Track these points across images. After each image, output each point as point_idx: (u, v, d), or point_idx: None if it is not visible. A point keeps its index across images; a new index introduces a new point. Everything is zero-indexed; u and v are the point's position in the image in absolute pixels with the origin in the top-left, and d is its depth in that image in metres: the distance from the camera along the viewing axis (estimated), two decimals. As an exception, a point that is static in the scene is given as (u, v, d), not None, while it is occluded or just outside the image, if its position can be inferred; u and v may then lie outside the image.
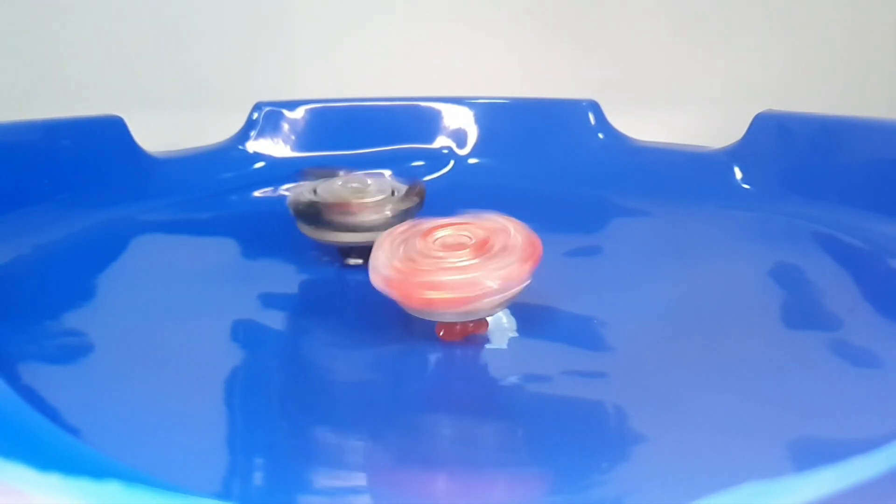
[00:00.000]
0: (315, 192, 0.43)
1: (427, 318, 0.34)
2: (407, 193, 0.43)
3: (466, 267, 0.32)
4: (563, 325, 0.36)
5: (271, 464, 0.27)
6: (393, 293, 0.33)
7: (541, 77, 0.64)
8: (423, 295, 0.32)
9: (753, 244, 0.47)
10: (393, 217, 0.41)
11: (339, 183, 0.43)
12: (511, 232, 0.34)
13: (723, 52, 0.64)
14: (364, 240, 0.40)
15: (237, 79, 0.62)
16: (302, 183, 0.44)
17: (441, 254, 0.33)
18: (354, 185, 0.43)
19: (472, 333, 0.34)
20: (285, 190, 0.49)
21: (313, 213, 0.42)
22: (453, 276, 0.32)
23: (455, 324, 0.34)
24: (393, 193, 0.42)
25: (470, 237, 0.34)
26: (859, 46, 0.65)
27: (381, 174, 0.45)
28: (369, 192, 0.42)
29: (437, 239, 0.34)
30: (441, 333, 0.34)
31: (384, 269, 0.33)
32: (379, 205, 0.41)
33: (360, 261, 0.42)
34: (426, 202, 0.43)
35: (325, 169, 0.45)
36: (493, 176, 0.55)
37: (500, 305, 0.33)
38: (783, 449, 0.27)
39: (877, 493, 0.16)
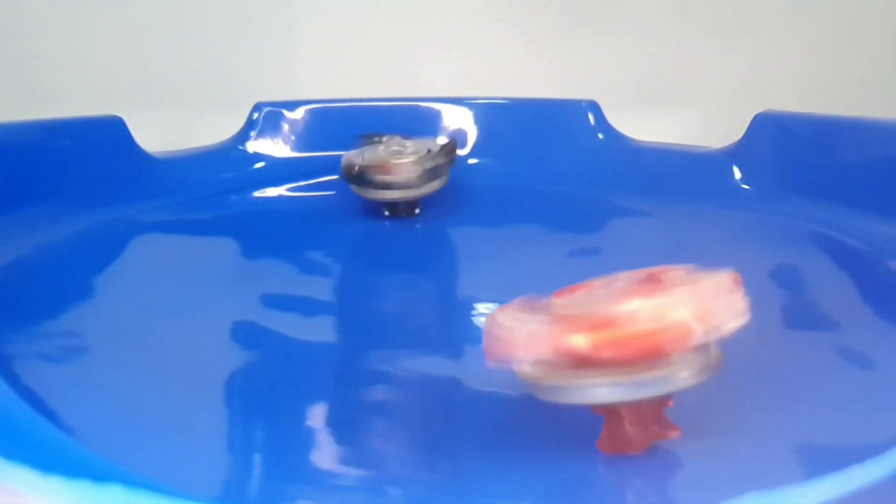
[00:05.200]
0: (362, 156, 0.49)
1: (584, 403, 0.23)
2: (439, 152, 0.49)
3: (647, 294, 0.22)
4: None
5: (271, 464, 0.27)
6: (542, 348, 0.22)
7: (541, 77, 0.64)
8: (590, 339, 0.21)
9: (753, 244, 0.47)
10: (424, 174, 0.48)
11: (382, 147, 0.50)
12: (688, 270, 0.25)
13: (723, 52, 0.64)
14: (404, 196, 0.49)
15: (237, 79, 0.62)
16: (352, 151, 0.50)
17: (599, 295, 0.23)
18: (395, 147, 0.49)
19: (658, 438, 0.24)
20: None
21: (358, 176, 0.48)
22: (635, 303, 0.22)
23: (621, 410, 0.23)
24: (428, 152, 0.49)
25: (629, 280, 0.24)
26: (859, 47, 0.65)
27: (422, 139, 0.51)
28: (406, 153, 0.49)
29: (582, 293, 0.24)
30: (605, 443, 0.24)
31: (519, 328, 0.23)
32: (413, 165, 0.48)
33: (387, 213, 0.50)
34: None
35: (377, 134, 0.51)
36: (493, 176, 0.55)
37: (703, 369, 0.24)
38: (783, 448, 0.27)
39: (876, 499, 0.16)
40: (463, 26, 0.64)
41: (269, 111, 0.56)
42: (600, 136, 0.56)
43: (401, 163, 0.48)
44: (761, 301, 0.39)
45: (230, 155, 0.55)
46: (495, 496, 0.26)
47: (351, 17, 0.63)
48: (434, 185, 0.49)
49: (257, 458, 0.28)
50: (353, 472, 0.27)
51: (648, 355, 0.22)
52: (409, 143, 0.50)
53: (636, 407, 0.23)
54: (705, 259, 0.45)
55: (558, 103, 0.58)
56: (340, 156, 0.53)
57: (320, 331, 0.38)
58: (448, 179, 0.50)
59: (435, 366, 0.34)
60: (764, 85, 0.64)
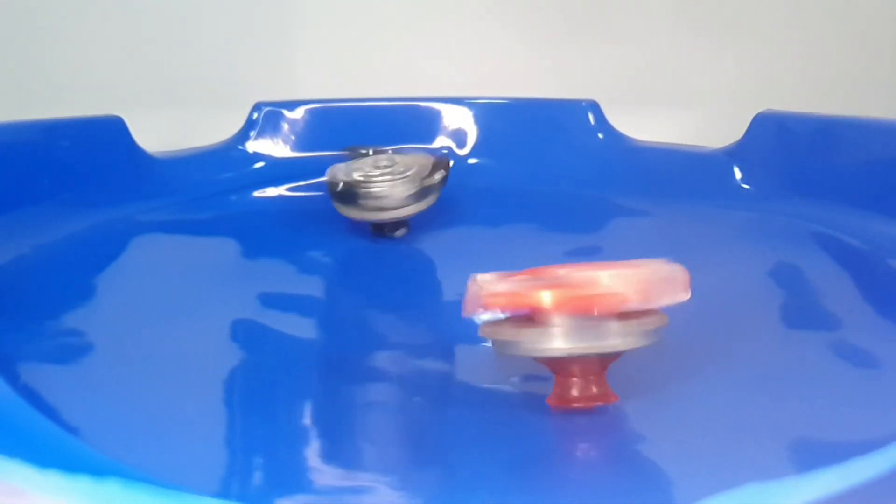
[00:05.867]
0: (348, 172, 0.45)
1: (537, 354, 0.27)
2: (431, 170, 0.45)
3: (590, 268, 0.27)
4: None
5: (269, 463, 0.27)
6: (498, 302, 0.27)
7: (541, 77, 0.64)
8: (535, 297, 0.26)
9: (753, 244, 0.47)
10: (415, 194, 0.44)
11: (370, 162, 0.46)
12: (644, 261, 0.29)
13: (723, 52, 0.64)
14: (394, 217, 0.44)
15: (237, 79, 0.62)
16: (337, 165, 0.47)
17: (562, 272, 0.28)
18: (384, 163, 0.45)
19: (597, 403, 0.28)
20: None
21: (346, 194, 0.44)
22: (585, 273, 0.27)
23: (570, 367, 0.28)
24: (419, 168, 0.45)
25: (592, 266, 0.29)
26: (859, 47, 0.65)
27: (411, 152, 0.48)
28: (396, 170, 0.45)
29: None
30: (554, 397, 0.28)
31: (494, 286, 0.28)
32: (405, 183, 0.44)
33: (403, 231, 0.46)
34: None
35: (364, 146, 0.48)
36: (493, 176, 0.55)
37: (639, 335, 0.27)
38: (783, 448, 0.27)
39: (876, 494, 0.16)
40: (463, 26, 0.64)
41: (269, 111, 0.56)
42: (600, 136, 0.56)
43: (390, 181, 0.44)
44: (762, 300, 0.39)
45: (230, 155, 0.55)
46: (490, 492, 0.26)
47: (351, 17, 0.63)
48: (423, 205, 0.45)
49: (255, 456, 0.28)
50: (352, 471, 0.27)
51: (591, 314, 0.26)
52: (398, 158, 0.46)
53: (582, 365, 0.27)
54: (705, 258, 0.45)
55: (558, 103, 0.58)
56: (340, 156, 0.53)
57: (320, 330, 0.38)
58: (439, 196, 0.47)
59: (434, 365, 0.34)
60: (764, 85, 0.64)
